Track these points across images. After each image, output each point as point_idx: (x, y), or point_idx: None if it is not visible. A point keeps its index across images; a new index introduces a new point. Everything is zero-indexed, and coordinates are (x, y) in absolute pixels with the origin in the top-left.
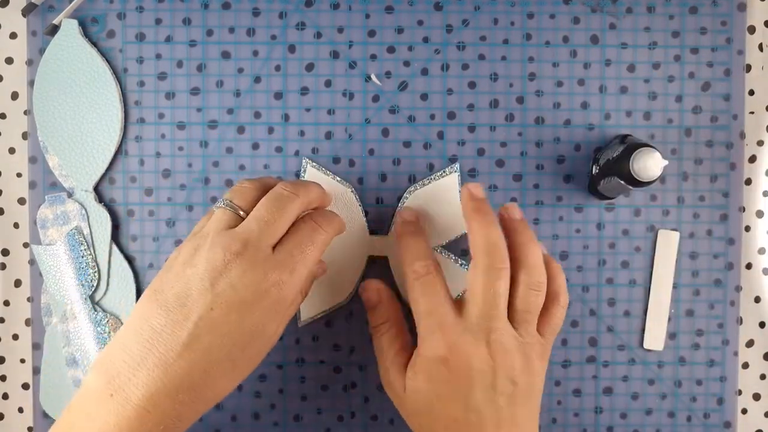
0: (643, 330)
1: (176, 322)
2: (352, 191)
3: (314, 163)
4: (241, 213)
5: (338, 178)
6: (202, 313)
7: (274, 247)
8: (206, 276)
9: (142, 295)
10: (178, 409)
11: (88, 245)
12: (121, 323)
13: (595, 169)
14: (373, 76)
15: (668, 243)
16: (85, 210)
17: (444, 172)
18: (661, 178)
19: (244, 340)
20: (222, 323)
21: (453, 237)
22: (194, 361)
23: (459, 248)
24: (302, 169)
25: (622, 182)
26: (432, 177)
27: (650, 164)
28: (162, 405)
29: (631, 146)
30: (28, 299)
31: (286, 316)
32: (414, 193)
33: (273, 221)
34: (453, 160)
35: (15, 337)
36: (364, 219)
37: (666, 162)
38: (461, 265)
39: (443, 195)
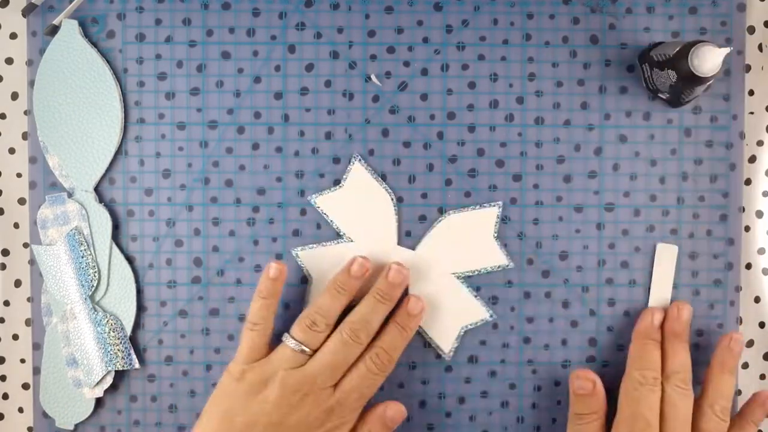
0: None
1: None
2: (393, 203)
3: (364, 163)
4: (308, 352)
5: (384, 185)
6: None
7: (335, 385)
8: (275, 412)
9: (212, 407)
10: None
11: (88, 245)
12: (121, 323)
13: (646, 70)
14: (373, 77)
15: (667, 257)
16: (86, 210)
17: (486, 204)
18: (661, 179)
19: None
20: None
21: (479, 269)
22: None
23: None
24: (350, 164)
25: (678, 79)
26: (472, 207)
27: (709, 57)
28: None
29: (689, 43)
30: (28, 299)
31: None
32: (450, 216)
33: (337, 366)
34: (453, 160)
35: (15, 337)
36: (396, 231)
37: (728, 49)
38: (475, 296)
39: (479, 226)
